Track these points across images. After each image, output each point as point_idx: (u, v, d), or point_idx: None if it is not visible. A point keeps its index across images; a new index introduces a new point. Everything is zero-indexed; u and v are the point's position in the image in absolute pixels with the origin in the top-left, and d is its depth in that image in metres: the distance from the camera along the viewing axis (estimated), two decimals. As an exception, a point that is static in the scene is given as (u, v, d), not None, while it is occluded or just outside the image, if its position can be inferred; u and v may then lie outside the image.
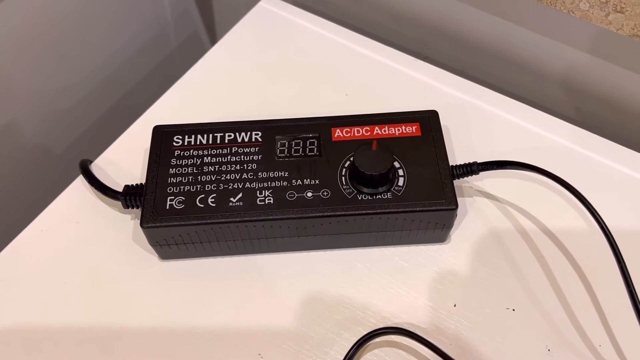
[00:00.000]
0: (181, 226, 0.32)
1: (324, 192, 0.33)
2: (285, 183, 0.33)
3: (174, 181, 0.34)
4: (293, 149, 0.35)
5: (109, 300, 0.34)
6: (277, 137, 0.35)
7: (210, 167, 0.34)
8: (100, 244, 0.36)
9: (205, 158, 0.35)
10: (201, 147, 0.35)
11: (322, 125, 0.36)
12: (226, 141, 0.35)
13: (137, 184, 0.35)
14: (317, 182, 0.33)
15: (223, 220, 0.32)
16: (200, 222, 0.32)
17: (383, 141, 0.34)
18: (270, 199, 0.33)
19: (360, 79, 0.44)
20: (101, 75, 0.53)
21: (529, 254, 0.35)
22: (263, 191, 0.33)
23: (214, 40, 0.64)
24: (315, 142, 0.35)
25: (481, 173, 0.36)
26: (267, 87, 0.43)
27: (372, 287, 0.34)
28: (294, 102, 0.42)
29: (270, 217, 0.32)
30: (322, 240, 0.34)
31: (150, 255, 0.35)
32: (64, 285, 0.34)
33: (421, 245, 0.36)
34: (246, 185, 0.33)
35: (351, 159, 0.33)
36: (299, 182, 0.33)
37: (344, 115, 0.36)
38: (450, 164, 0.35)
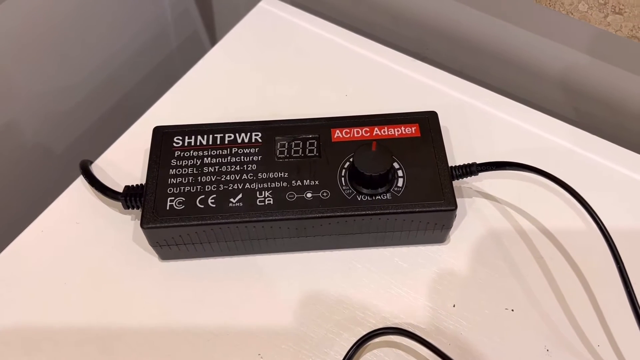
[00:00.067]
0: (181, 227, 0.32)
1: (323, 192, 0.33)
2: (285, 184, 0.34)
3: (174, 182, 0.34)
4: (293, 150, 0.35)
5: (109, 300, 0.34)
6: (277, 137, 0.35)
7: (210, 168, 0.34)
8: (101, 244, 0.36)
9: (205, 159, 0.35)
10: (201, 147, 0.35)
11: (322, 126, 0.36)
12: (226, 142, 0.35)
13: (137, 185, 0.36)
14: (316, 182, 0.34)
15: (223, 220, 0.32)
16: (200, 222, 0.32)
17: (382, 142, 0.35)
18: (270, 200, 0.33)
19: (359, 79, 0.44)
20: (101, 76, 0.53)
21: (527, 255, 0.35)
22: (263, 192, 0.33)
23: (214, 40, 0.64)
24: (315, 142, 0.35)
25: (480, 174, 0.36)
26: (267, 87, 0.43)
27: (371, 287, 0.34)
28: (293, 103, 0.42)
29: (270, 217, 0.32)
30: (322, 240, 0.35)
31: (150, 256, 0.35)
32: (64, 286, 0.34)
33: (420, 245, 0.36)
34: (246, 186, 0.34)
35: (351, 159, 0.34)
36: (299, 182, 0.34)
37: (344, 116, 0.36)
38: (450, 165, 0.35)
